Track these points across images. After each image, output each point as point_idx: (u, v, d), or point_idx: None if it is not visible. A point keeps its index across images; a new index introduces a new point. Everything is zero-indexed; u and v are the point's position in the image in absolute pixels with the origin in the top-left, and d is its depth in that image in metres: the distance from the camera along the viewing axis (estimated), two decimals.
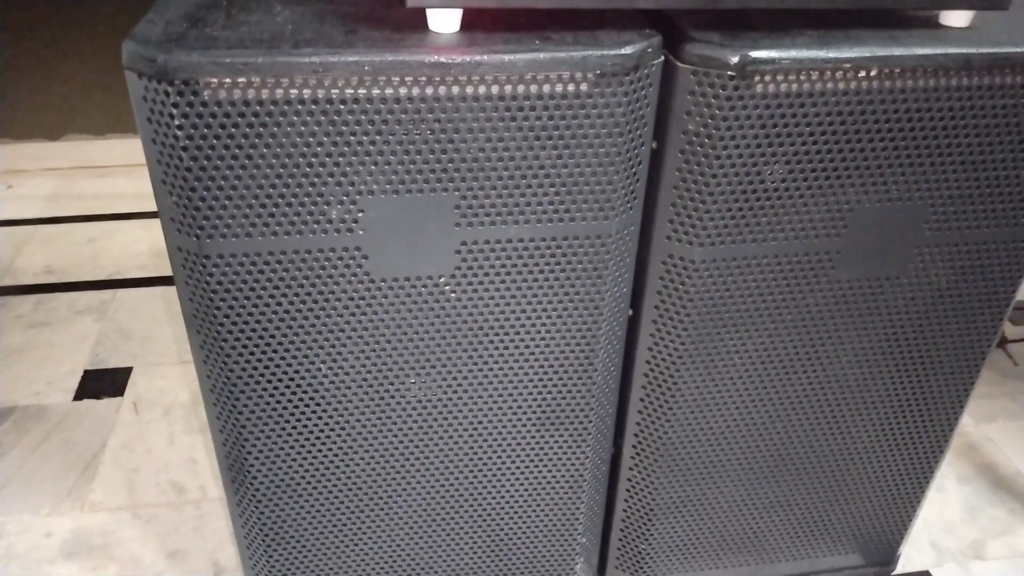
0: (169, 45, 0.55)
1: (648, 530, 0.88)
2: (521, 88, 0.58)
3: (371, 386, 0.72)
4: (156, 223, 1.75)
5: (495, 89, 0.58)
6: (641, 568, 0.92)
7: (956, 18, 0.66)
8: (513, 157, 0.61)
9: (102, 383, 1.31)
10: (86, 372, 1.33)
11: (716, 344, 0.73)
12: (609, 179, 0.63)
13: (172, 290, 1.53)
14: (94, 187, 1.92)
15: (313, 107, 0.57)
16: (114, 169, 2.00)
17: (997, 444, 1.23)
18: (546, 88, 0.59)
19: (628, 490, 0.86)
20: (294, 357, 0.69)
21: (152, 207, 1.81)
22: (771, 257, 0.68)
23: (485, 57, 0.56)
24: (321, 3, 0.65)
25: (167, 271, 1.59)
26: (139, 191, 1.90)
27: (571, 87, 0.59)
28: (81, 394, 1.28)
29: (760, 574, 0.96)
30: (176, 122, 0.56)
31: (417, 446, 0.77)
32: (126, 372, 1.33)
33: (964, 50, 0.61)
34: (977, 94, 0.63)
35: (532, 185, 0.63)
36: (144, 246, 1.67)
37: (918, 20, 0.66)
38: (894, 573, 1.01)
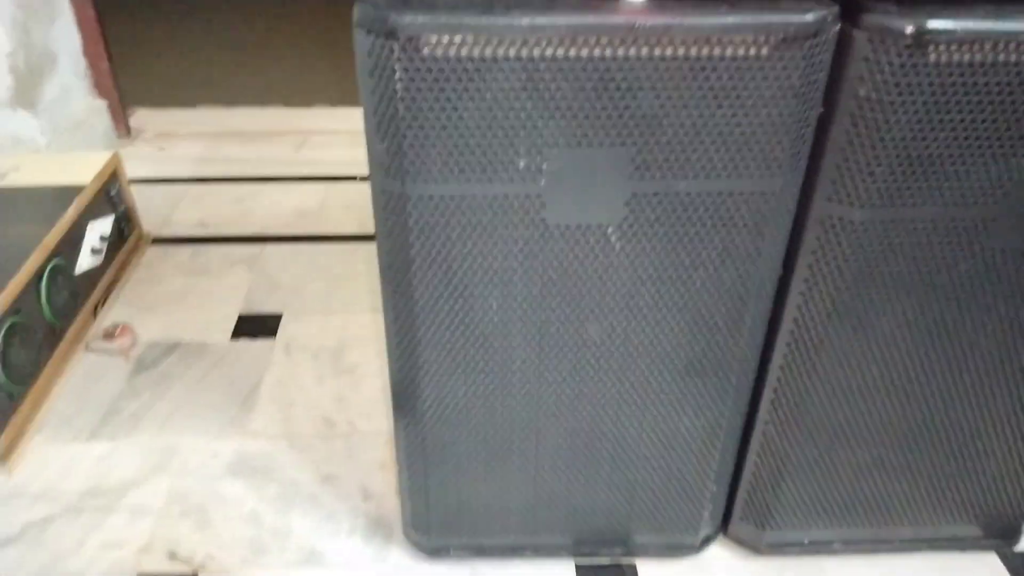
0: (398, 6, 0.63)
1: (777, 485, 0.92)
2: (705, 50, 0.64)
3: (534, 324, 0.79)
4: (297, 186, 1.88)
5: (681, 51, 0.63)
6: (766, 521, 0.96)
7: None
8: (690, 115, 0.67)
9: (256, 326, 1.43)
10: (241, 316, 1.46)
11: (865, 306, 0.77)
12: (779, 139, 0.68)
13: (316, 247, 1.65)
14: (238, 152, 2.06)
15: (517, 65, 0.64)
16: (254, 135, 2.15)
17: None
18: (728, 51, 0.64)
19: (761, 444, 0.90)
20: (471, 293, 0.77)
21: (292, 172, 1.94)
22: (928, 222, 0.71)
23: (676, 20, 0.62)
24: None
25: (311, 230, 1.71)
26: (277, 157, 2.03)
27: (752, 50, 0.64)
28: (237, 334, 1.41)
29: (880, 536, 0.99)
30: (397, 75, 0.64)
31: (569, 384, 0.84)
32: (277, 318, 1.45)
33: None
34: None
35: (705, 142, 0.68)
36: (288, 207, 1.79)
37: None
38: (1017, 549, 1.02)
